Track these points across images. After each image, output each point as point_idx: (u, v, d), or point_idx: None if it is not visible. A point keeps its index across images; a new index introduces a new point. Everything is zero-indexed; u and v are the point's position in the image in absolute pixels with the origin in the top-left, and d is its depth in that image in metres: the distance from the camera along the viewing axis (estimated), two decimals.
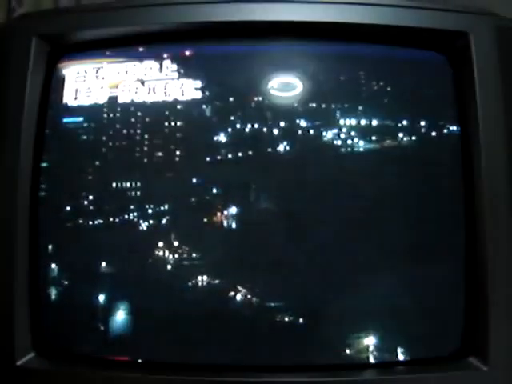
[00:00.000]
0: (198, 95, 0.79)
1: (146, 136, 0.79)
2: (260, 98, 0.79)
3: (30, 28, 0.79)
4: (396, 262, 0.78)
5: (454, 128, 0.78)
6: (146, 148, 0.79)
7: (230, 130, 0.78)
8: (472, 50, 0.76)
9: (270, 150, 0.77)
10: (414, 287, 0.77)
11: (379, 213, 0.78)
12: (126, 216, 0.78)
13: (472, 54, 0.76)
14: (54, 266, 0.79)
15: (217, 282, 0.77)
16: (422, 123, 0.79)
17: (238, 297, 0.77)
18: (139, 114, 0.79)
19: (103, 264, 0.78)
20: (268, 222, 0.77)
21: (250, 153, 0.78)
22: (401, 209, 0.78)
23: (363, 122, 0.78)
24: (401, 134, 0.79)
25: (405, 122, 0.79)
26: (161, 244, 0.78)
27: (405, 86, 0.80)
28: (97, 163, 0.80)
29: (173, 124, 0.79)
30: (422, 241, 0.78)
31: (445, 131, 0.79)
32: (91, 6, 0.81)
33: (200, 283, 0.77)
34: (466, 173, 0.77)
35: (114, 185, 0.79)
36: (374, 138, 0.78)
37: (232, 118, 0.78)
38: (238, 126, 0.78)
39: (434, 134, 0.79)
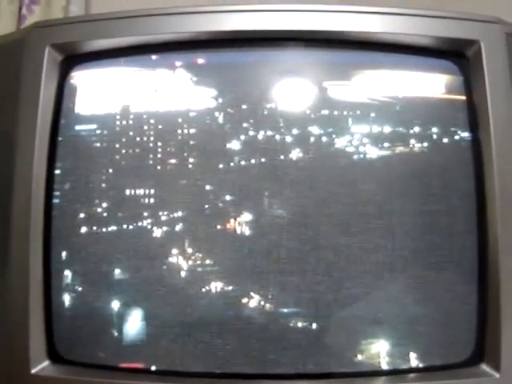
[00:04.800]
0: (211, 103, 0.79)
1: (160, 143, 0.79)
2: (273, 106, 0.79)
3: (43, 37, 0.79)
4: (408, 270, 0.78)
5: (465, 135, 0.79)
6: (159, 155, 0.79)
7: (242, 137, 0.78)
8: (483, 57, 0.77)
9: (282, 157, 0.78)
10: (426, 295, 0.78)
11: (392, 220, 0.78)
12: (140, 223, 0.79)
13: (483, 61, 0.77)
14: (67, 274, 0.79)
15: (230, 288, 0.77)
16: (433, 130, 0.79)
17: (251, 304, 0.77)
18: (152, 121, 0.80)
19: (116, 272, 0.79)
20: (281, 228, 0.77)
21: (263, 160, 0.78)
22: (414, 216, 0.78)
23: (374, 129, 0.79)
24: (412, 141, 0.79)
25: (416, 129, 0.79)
26: (174, 251, 0.78)
27: (416, 93, 0.80)
28: (110, 170, 0.80)
29: (186, 131, 0.79)
30: (434, 248, 0.78)
31: (456, 138, 0.79)
32: (103, 16, 0.81)
33: (213, 290, 0.77)
34: (477, 179, 0.77)
35: (127, 192, 0.79)
36: (385, 145, 0.78)
37: (245, 125, 0.79)
38: (250, 133, 0.78)
39: (444, 141, 0.79)
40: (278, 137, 0.78)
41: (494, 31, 0.78)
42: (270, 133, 0.78)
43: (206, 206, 0.79)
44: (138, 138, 0.80)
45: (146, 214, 0.79)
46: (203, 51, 0.81)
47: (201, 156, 0.79)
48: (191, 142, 0.79)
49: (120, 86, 0.81)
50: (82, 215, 0.80)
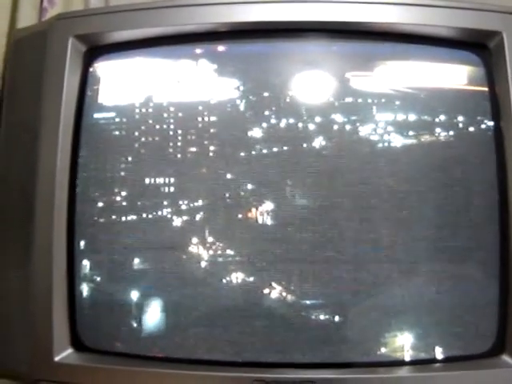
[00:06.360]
0: (232, 92, 0.79)
1: (182, 132, 0.80)
2: (295, 94, 0.79)
3: (67, 29, 0.80)
4: (430, 261, 0.78)
5: (488, 125, 0.78)
6: (179, 144, 0.80)
7: (264, 125, 0.78)
8: (505, 48, 0.77)
9: (305, 145, 0.78)
10: (447, 286, 0.77)
11: (414, 211, 0.78)
12: (161, 212, 0.79)
13: (505, 52, 0.77)
14: (90, 263, 0.79)
15: (252, 278, 0.77)
16: (455, 121, 0.79)
17: (273, 293, 0.77)
18: (175, 111, 0.80)
19: (139, 261, 0.79)
20: (303, 218, 0.77)
21: (285, 148, 0.78)
22: (436, 207, 0.78)
23: (396, 118, 0.79)
24: (433, 132, 0.79)
25: (438, 120, 0.79)
26: (194, 241, 0.78)
27: (437, 84, 0.80)
28: (134, 159, 0.80)
29: (206, 119, 0.79)
30: (456, 240, 0.78)
31: (478, 129, 0.79)
32: (126, 7, 0.82)
33: (235, 280, 0.77)
34: (500, 170, 0.77)
35: (150, 181, 0.80)
36: (406, 134, 0.78)
37: (266, 113, 0.79)
38: (272, 121, 0.78)
39: (466, 132, 0.79)
40: (300, 125, 0.78)
41: None
42: (292, 121, 0.78)
43: (227, 195, 0.79)
44: (161, 127, 0.80)
45: (166, 202, 0.79)
46: (225, 42, 0.81)
47: (222, 144, 0.80)
48: (212, 130, 0.79)
49: (143, 76, 0.82)
50: (105, 204, 0.80)
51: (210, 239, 0.78)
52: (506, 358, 0.75)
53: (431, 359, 0.77)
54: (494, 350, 0.76)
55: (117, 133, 0.81)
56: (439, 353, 0.77)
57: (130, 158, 0.80)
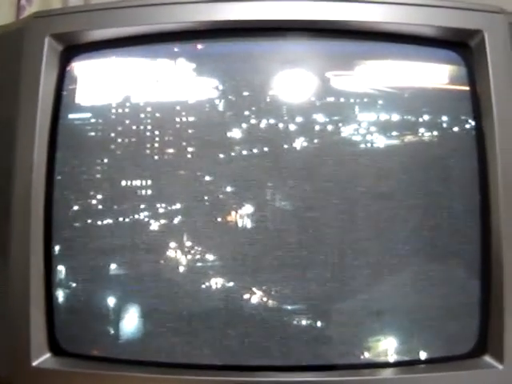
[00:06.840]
0: (211, 92, 0.78)
1: (161, 133, 0.79)
2: (275, 94, 0.78)
3: (43, 28, 0.79)
4: (411, 262, 0.78)
5: (469, 125, 0.78)
6: (157, 145, 0.78)
7: (244, 125, 0.77)
8: (486, 47, 0.76)
9: (285, 146, 0.77)
10: (429, 286, 0.77)
11: (396, 212, 0.77)
12: (138, 215, 0.78)
13: (486, 51, 0.76)
14: (68, 266, 0.78)
15: (231, 281, 0.76)
16: (436, 120, 0.78)
17: (254, 297, 0.76)
18: (153, 111, 0.79)
19: (118, 264, 0.78)
20: (284, 220, 0.77)
21: (266, 149, 0.77)
22: (417, 208, 0.78)
23: (377, 118, 0.78)
24: (414, 132, 0.78)
25: (419, 120, 0.78)
26: (173, 244, 0.77)
27: (418, 84, 0.79)
28: (107, 161, 0.79)
29: (185, 120, 0.78)
30: (437, 240, 0.78)
31: (459, 128, 0.79)
32: (103, 5, 0.81)
33: (214, 283, 0.76)
34: (481, 170, 0.76)
35: (128, 183, 0.78)
36: (387, 134, 0.78)
37: (246, 113, 0.78)
38: (252, 121, 0.77)
39: (447, 131, 0.79)
40: (281, 125, 0.77)
41: (498, 21, 0.77)
42: (272, 121, 0.77)
43: (206, 198, 0.78)
44: (138, 128, 0.79)
45: (143, 206, 0.78)
46: (204, 41, 0.80)
47: (200, 145, 0.78)
48: (190, 131, 0.78)
49: (121, 76, 0.80)
50: (81, 207, 0.79)
51: (189, 243, 0.77)
52: (487, 358, 0.75)
53: (413, 361, 0.77)
54: (476, 351, 0.76)
55: (93, 134, 0.79)
56: (421, 354, 0.77)
57: (106, 160, 0.79)
